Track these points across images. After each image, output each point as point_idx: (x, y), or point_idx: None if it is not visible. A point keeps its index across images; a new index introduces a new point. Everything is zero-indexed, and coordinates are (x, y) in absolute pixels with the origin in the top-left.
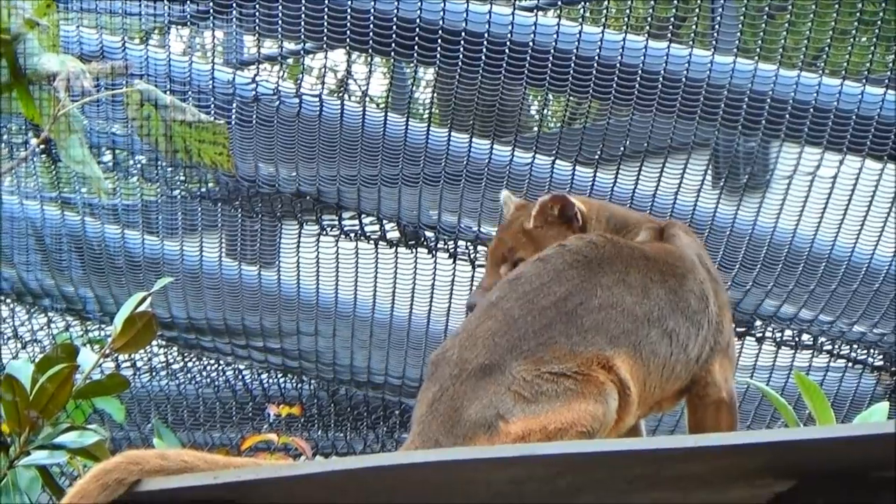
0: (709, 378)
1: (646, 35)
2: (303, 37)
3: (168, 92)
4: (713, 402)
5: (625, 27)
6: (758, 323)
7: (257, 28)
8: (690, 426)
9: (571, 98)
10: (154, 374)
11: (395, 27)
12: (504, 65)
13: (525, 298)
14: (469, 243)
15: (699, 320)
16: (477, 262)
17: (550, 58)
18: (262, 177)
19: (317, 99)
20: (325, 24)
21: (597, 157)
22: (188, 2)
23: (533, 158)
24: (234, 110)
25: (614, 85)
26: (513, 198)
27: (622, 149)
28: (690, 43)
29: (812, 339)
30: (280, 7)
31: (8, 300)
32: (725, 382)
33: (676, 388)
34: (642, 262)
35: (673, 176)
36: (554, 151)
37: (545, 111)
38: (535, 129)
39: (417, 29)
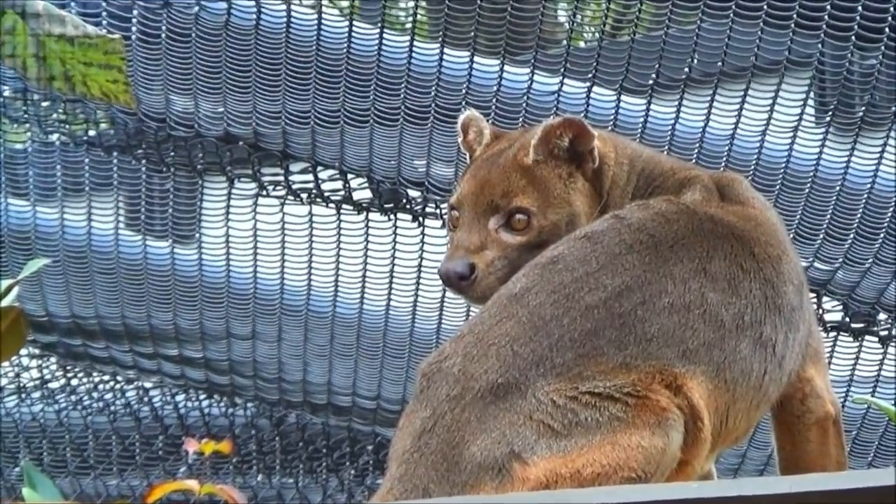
0: (807, 388)
1: None
2: None
3: None
4: (816, 420)
5: None
6: (881, 316)
7: None
8: (786, 458)
9: None
10: (24, 395)
11: None
12: None
13: (562, 292)
14: None
15: (796, 320)
16: None
17: None
18: (176, 114)
19: (252, 3)
20: None
21: (650, 82)
22: None
23: (560, 84)
24: (134, 21)
25: None
26: (482, 120)
27: (687, 70)
28: None
29: None
30: None
31: None
32: (828, 392)
33: (763, 414)
34: (730, 242)
35: (759, 108)
36: (590, 74)
37: (577, 17)
38: (564, 42)
39: None
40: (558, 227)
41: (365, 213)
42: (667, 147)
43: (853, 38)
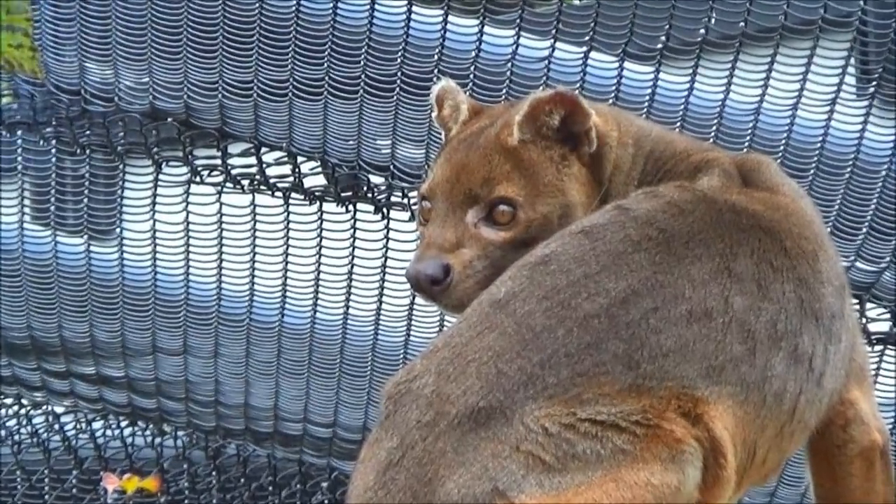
0: (850, 413)
1: None
2: None
3: None
4: (861, 451)
5: None
6: None
7: None
8: (824, 496)
9: None
10: None
11: None
12: None
13: (556, 298)
14: None
15: (837, 329)
16: None
17: None
18: (92, 85)
19: None
20: None
21: (659, 46)
22: None
23: (552, 49)
24: None
25: None
26: (459, 91)
27: (703, 32)
28: None
29: None
30: None
31: None
32: (875, 417)
33: (799, 446)
34: (756, 236)
35: (789, 77)
36: (587, 37)
37: None
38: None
39: None
40: (549, 221)
41: (318, 203)
42: (679, 124)
43: None
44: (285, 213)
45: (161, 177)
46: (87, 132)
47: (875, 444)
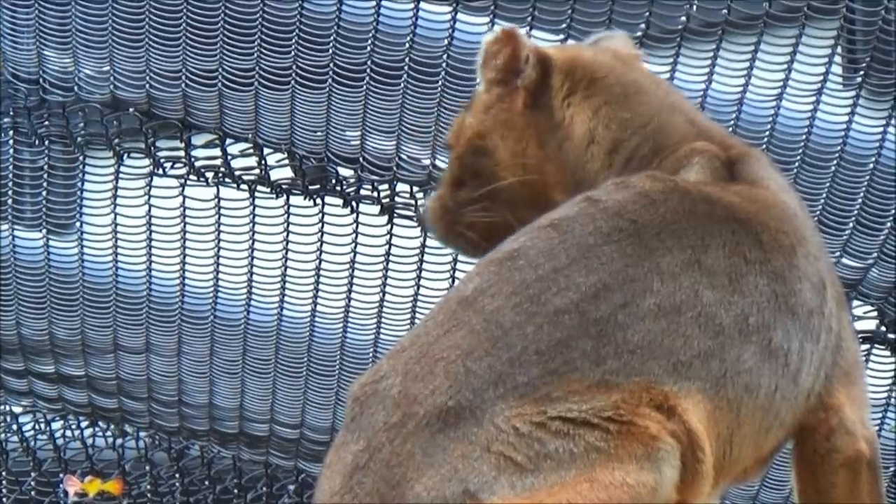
0: (834, 421)
1: None
2: None
3: None
4: (845, 461)
5: None
6: None
7: None
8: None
9: None
10: None
11: None
12: None
13: (524, 294)
14: (417, 189)
15: (815, 327)
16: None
17: None
18: (52, 73)
19: None
20: None
21: (639, 33)
22: None
23: (527, 35)
24: None
25: None
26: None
27: (684, 20)
28: None
29: None
30: None
31: None
32: (862, 424)
33: (776, 444)
34: (730, 228)
35: (773, 66)
36: (564, 24)
37: None
38: None
39: None
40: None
41: (285, 196)
42: None
43: None
44: (251, 207)
45: (122, 169)
46: (46, 122)
47: (860, 455)
